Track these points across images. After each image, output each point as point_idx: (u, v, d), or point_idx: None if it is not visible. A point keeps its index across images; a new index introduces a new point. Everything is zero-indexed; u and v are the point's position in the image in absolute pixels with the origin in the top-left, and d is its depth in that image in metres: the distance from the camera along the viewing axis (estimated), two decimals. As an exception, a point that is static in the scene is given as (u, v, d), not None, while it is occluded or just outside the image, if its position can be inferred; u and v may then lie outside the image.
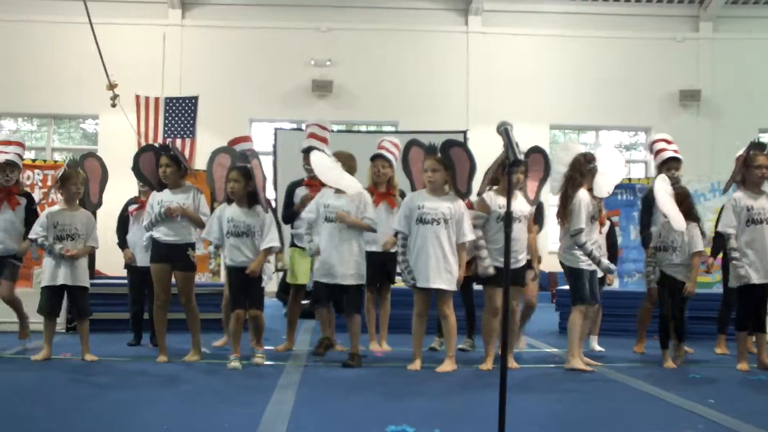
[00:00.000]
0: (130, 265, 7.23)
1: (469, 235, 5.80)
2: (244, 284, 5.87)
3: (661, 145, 7.30)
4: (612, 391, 5.22)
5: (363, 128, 15.95)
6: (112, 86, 11.99)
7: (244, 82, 15.72)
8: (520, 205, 5.91)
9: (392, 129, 15.32)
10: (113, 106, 12.22)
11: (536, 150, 6.17)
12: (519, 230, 5.85)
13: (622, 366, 6.28)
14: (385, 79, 15.85)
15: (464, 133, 11.25)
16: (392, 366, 6.06)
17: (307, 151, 6.56)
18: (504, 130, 3.48)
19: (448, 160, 5.83)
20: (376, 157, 6.68)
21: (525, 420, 4.04)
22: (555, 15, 16.41)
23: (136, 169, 6.31)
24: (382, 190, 6.68)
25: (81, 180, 6.20)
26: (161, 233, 6.08)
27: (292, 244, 6.87)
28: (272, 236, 5.88)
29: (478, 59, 16.16)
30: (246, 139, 7.29)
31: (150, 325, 6.94)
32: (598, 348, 7.14)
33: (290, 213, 6.73)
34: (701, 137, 15.71)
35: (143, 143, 13.82)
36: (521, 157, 3.31)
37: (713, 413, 4.31)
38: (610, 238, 6.93)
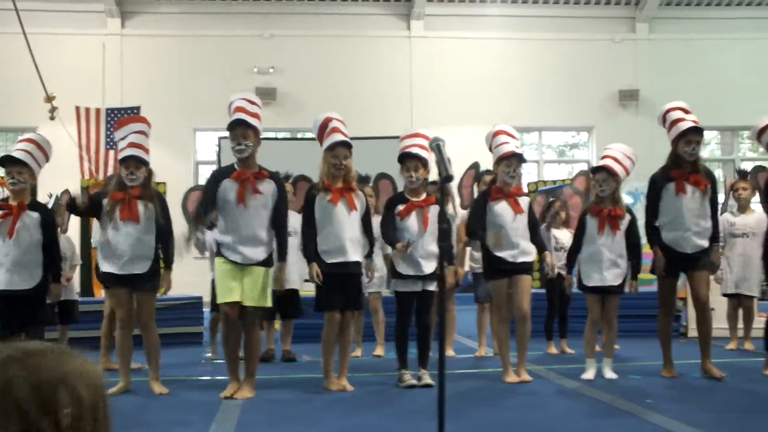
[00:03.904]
0: None
1: None
2: None
3: (677, 114, 6.03)
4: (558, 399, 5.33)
5: (308, 135, 15.87)
6: (50, 98, 11.72)
7: (186, 91, 15.54)
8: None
9: (338, 135, 15.24)
10: (52, 118, 11.95)
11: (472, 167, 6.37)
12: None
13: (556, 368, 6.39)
14: (329, 85, 15.82)
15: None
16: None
17: None
18: (436, 146, 3.49)
19: None
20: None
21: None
22: (496, 18, 16.60)
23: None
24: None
25: None
26: None
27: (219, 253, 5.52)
28: None
29: (422, 63, 16.25)
30: (137, 119, 5.81)
31: None
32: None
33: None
34: (640, 136, 15.88)
35: (84, 155, 13.58)
36: (452, 173, 3.34)
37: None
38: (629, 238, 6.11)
